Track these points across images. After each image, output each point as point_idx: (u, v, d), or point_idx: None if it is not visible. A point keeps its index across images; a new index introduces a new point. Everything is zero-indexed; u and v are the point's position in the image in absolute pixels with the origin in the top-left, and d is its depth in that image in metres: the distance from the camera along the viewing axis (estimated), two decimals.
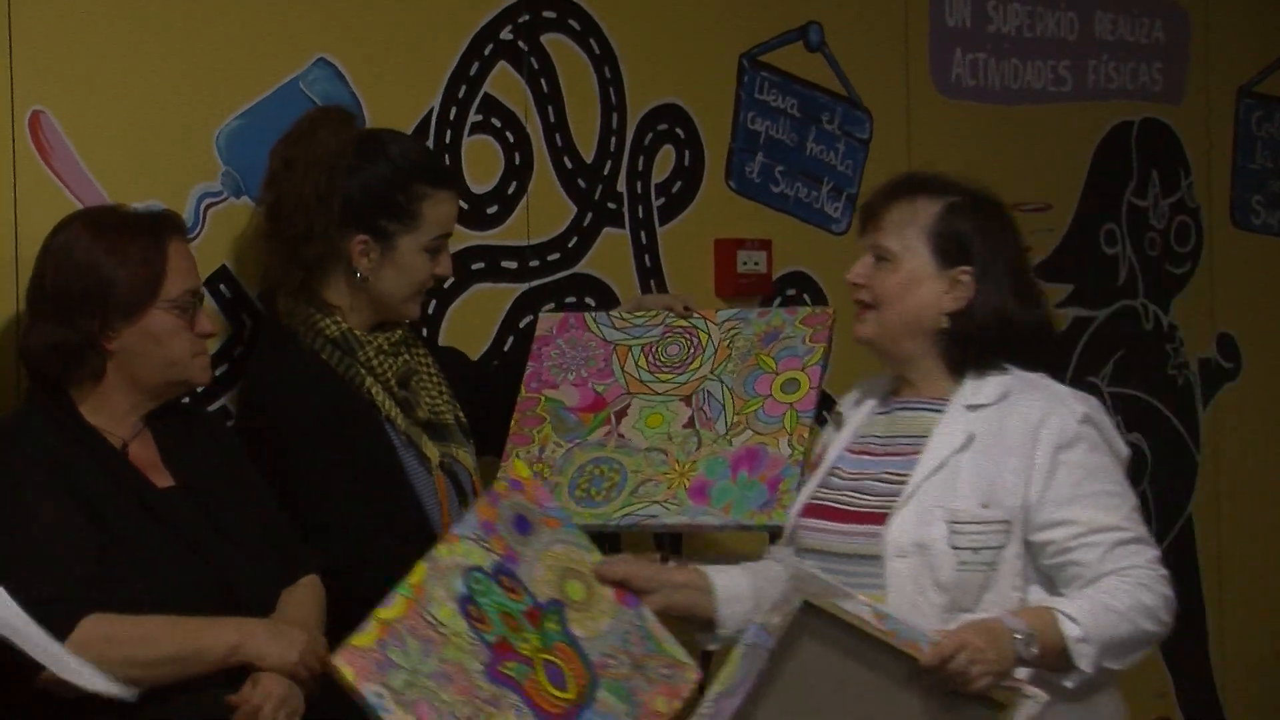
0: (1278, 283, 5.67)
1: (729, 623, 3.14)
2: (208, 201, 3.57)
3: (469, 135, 3.99)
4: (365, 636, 2.84)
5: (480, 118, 4.00)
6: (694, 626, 3.17)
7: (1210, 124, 5.53)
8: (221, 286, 3.59)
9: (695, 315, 3.79)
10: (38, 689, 2.84)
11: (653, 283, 4.27)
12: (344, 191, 3.44)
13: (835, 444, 3.25)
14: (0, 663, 2.76)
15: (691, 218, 4.37)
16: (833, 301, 4.28)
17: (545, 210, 4.11)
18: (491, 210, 4.03)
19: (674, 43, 4.33)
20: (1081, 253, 5.20)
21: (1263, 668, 5.61)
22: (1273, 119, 5.68)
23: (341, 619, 3.01)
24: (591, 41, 4.19)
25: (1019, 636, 2.87)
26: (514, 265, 4.07)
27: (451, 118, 3.96)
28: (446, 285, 3.83)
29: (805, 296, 4.51)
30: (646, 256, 4.28)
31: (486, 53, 4.02)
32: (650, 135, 4.30)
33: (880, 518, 3.08)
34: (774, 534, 3.43)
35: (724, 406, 3.63)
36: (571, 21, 4.16)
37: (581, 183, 4.18)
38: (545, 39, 4.11)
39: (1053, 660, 2.92)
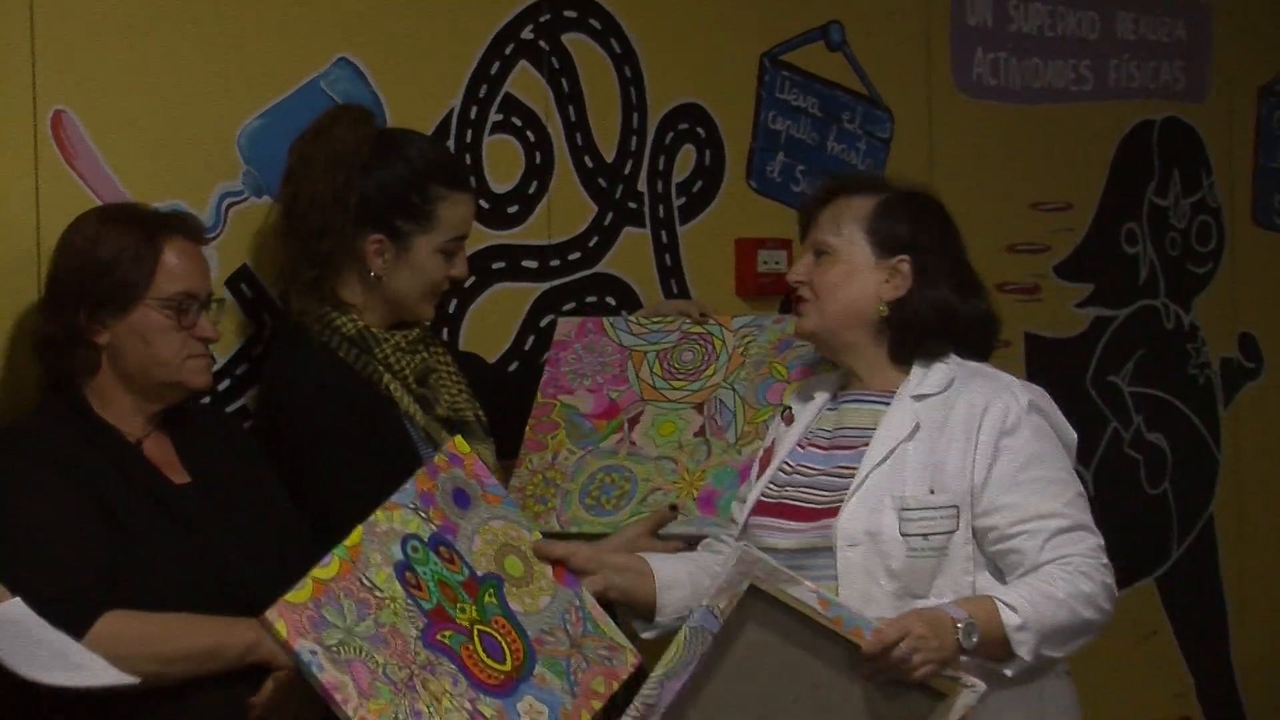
0: None
1: (667, 610, 3.15)
2: (229, 201, 3.57)
3: (490, 135, 3.99)
4: (300, 593, 2.80)
5: (501, 117, 4.00)
6: (631, 614, 3.18)
7: (1232, 123, 5.51)
8: (243, 286, 3.60)
9: (711, 321, 3.78)
10: (43, 689, 2.82)
11: (673, 282, 4.27)
12: (360, 190, 3.43)
13: (785, 440, 3.27)
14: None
15: (712, 217, 4.36)
16: None
17: (566, 210, 4.11)
18: (512, 210, 4.03)
19: (695, 42, 4.33)
20: (1102, 252, 5.19)
21: None
22: None
23: None
24: (612, 41, 4.19)
25: (961, 625, 2.89)
26: (535, 265, 4.07)
27: (472, 117, 3.96)
28: (466, 285, 3.83)
29: None
30: (667, 256, 4.28)
31: (507, 52, 4.01)
32: (671, 134, 4.29)
33: (832, 512, 3.10)
34: None
35: (735, 415, 3.62)
36: (592, 21, 4.16)
37: (602, 182, 4.17)
38: (566, 38, 4.11)
39: (994, 649, 2.94)
